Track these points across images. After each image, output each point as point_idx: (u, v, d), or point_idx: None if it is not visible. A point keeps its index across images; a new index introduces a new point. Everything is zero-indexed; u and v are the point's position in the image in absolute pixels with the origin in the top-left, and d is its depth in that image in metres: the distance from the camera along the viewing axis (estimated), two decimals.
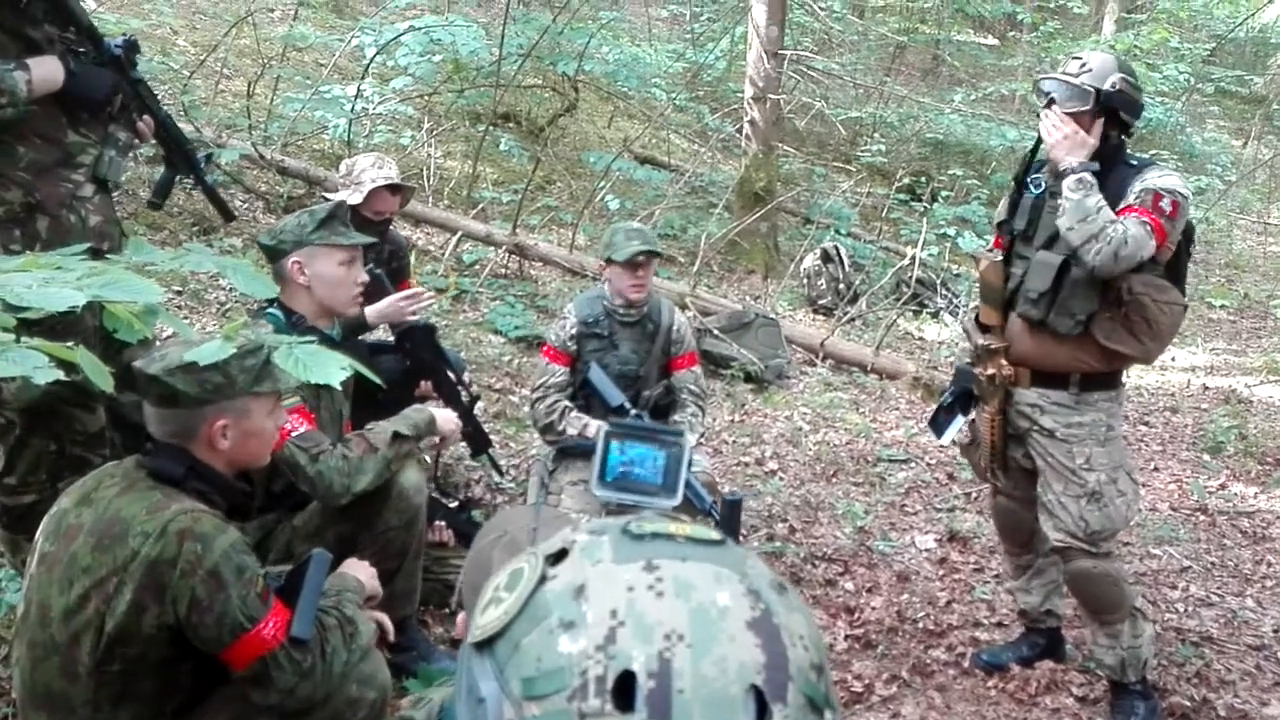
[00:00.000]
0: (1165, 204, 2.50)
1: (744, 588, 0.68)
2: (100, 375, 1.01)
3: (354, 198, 3.46)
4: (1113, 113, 2.57)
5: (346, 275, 2.63)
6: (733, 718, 0.62)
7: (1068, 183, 2.51)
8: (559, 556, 0.71)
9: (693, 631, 0.64)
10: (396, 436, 2.50)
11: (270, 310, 2.65)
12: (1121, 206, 2.51)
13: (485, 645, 0.68)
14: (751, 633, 0.65)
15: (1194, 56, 12.30)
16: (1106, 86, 2.55)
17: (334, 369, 1.17)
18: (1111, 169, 2.57)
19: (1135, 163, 2.62)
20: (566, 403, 3.46)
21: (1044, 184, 2.71)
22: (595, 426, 3.40)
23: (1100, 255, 2.45)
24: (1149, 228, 2.46)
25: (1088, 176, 2.50)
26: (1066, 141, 2.54)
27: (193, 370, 1.78)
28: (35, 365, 0.92)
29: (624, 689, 0.62)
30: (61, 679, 1.73)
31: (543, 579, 0.69)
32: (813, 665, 0.68)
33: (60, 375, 0.95)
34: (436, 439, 2.77)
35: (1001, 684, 2.97)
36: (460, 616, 1.15)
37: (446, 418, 2.76)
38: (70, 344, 1.02)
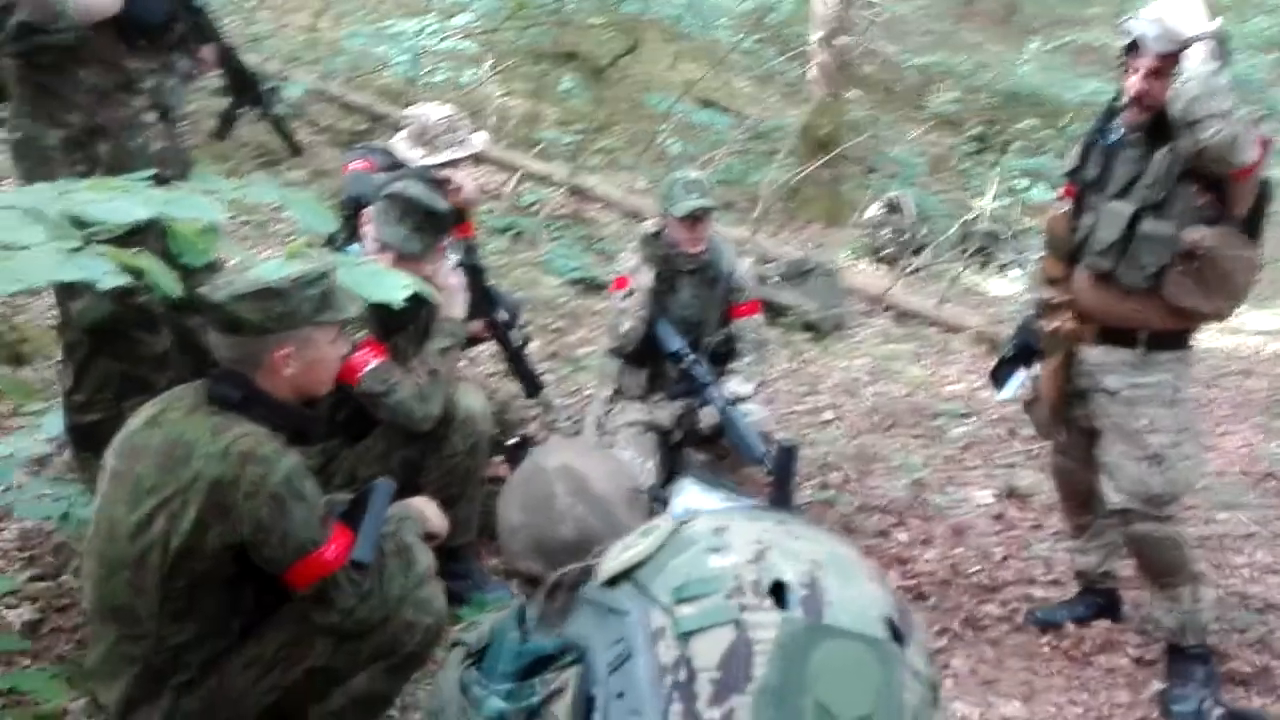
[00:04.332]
0: (1263, 130, 2.37)
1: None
2: (167, 280, 1.01)
3: (428, 159, 3.20)
4: None
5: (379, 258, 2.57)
6: (877, 630, 0.69)
7: (1197, 49, 2.27)
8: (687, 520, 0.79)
9: (832, 565, 0.71)
10: (443, 351, 2.56)
11: (353, 247, 2.68)
12: None
13: (620, 578, 0.77)
14: (876, 583, 0.75)
15: None
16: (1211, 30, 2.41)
17: (395, 288, 1.17)
18: None
19: None
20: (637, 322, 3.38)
21: (1120, 131, 2.60)
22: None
23: (1220, 136, 2.24)
24: (1253, 139, 2.32)
25: (1218, 48, 2.29)
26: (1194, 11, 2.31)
27: (257, 298, 1.79)
28: (103, 271, 0.92)
29: (777, 594, 0.69)
30: (130, 592, 1.78)
31: (678, 526, 0.76)
32: None
33: (128, 280, 0.95)
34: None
35: (1055, 642, 2.93)
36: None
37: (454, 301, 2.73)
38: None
